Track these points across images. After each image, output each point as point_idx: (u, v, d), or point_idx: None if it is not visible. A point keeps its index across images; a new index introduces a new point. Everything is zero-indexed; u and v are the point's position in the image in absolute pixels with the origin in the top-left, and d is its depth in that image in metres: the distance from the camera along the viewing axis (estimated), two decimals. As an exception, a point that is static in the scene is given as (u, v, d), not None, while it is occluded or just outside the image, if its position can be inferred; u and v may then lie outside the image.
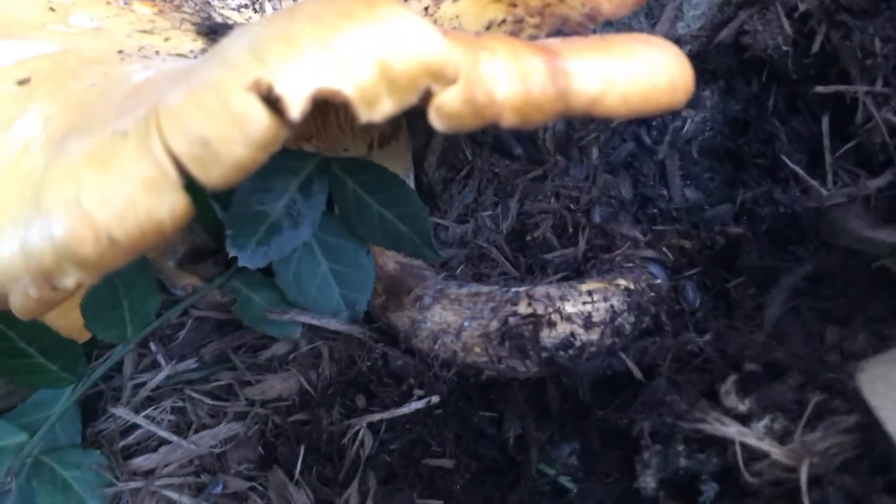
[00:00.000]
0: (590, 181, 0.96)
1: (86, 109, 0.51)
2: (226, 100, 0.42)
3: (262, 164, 0.43)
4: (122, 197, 0.43)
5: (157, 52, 0.66)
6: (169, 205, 0.43)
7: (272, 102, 0.42)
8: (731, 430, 0.70)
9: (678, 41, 0.90)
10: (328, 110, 0.76)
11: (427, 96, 0.47)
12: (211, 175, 0.43)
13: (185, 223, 0.44)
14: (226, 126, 0.42)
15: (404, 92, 0.45)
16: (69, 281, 0.45)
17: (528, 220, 0.93)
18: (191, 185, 0.43)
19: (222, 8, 0.79)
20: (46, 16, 0.65)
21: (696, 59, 0.89)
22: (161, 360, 0.93)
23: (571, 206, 0.93)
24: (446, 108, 0.48)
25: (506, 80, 0.50)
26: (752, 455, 0.68)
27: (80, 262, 0.44)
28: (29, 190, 0.46)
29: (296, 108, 0.41)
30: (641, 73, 0.54)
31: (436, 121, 0.49)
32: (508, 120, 0.50)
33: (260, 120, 0.42)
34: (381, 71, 0.43)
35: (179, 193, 0.43)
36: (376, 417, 0.82)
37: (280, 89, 0.41)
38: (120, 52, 0.63)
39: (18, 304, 0.48)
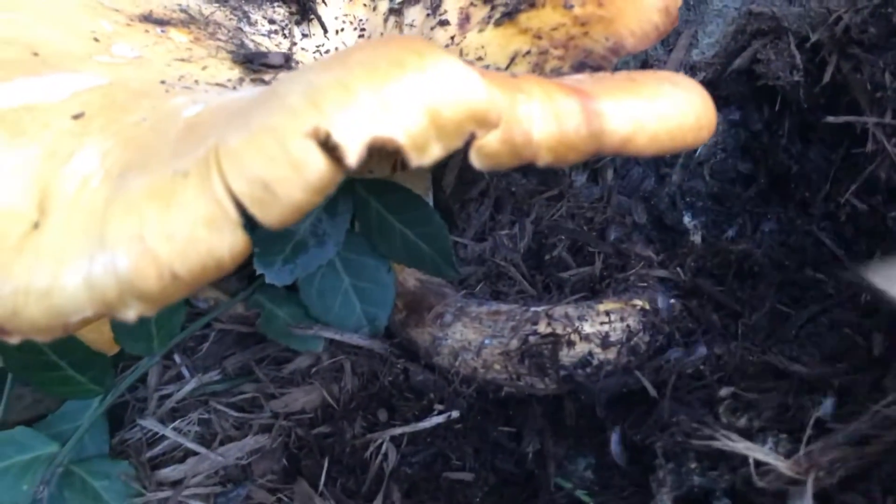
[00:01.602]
0: (604, 201, 0.99)
1: (141, 145, 0.53)
2: (285, 145, 0.44)
3: (317, 205, 0.46)
4: (185, 234, 0.45)
5: (196, 82, 0.68)
6: (229, 242, 0.46)
7: (329, 148, 0.44)
8: (740, 445, 0.73)
9: (693, 68, 0.93)
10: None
11: (470, 139, 0.49)
12: (270, 216, 0.45)
13: (243, 259, 0.47)
14: (285, 170, 0.44)
15: (451, 137, 0.47)
16: (131, 313, 0.47)
17: (544, 240, 0.95)
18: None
19: (253, 34, 0.81)
20: (91, 46, 0.67)
21: (709, 85, 0.92)
22: (185, 371, 0.96)
23: (586, 225, 0.96)
24: (486, 149, 0.51)
25: (542, 121, 0.52)
26: (762, 469, 0.71)
27: (142, 296, 0.46)
28: (92, 224, 0.48)
29: (353, 155, 0.44)
30: (669, 113, 0.56)
31: (476, 160, 0.51)
32: (544, 159, 0.53)
33: (318, 165, 0.44)
34: (430, 118, 0.46)
35: (239, 231, 0.46)
36: (398, 431, 0.85)
37: (338, 137, 0.44)
38: (162, 82, 0.65)
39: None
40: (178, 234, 0.46)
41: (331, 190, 0.46)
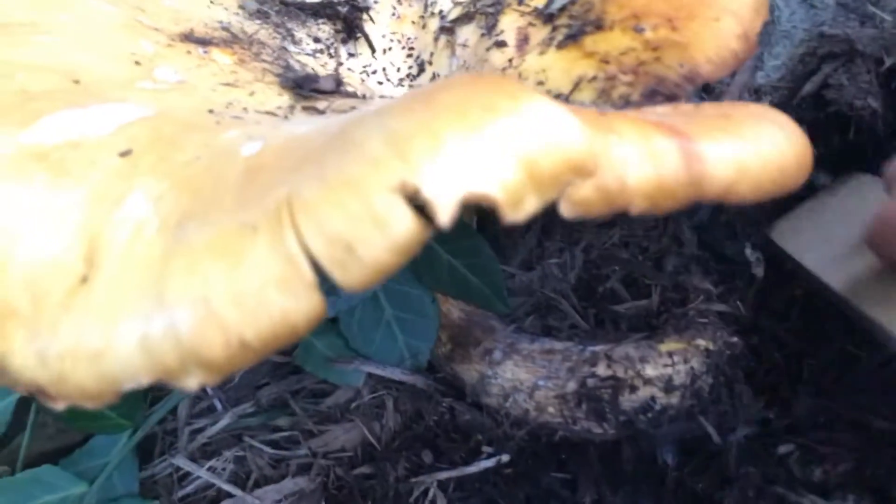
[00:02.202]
0: (660, 229, 0.94)
1: (197, 188, 0.49)
2: (369, 201, 0.40)
3: (402, 266, 0.41)
4: (256, 297, 0.41)
5: (245, 110, 0.63)
6: (305, 306, 0.41)
7: (416, 204, 0.40)
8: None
9: (758, 92, 0.88)
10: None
11: (564, 189, 0.45)
12: (351, 278, 0.40)
13: (318, 324, 0.42)
14: (369, 229, 0.40)
15: (548, 189, 0.43)
16: (192, 382, 0.43)
17: (596, 270, 0.91)
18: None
19: (298, 54, 0.76)
20: (133, 71, 0.62)
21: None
22: (217, 404, 0.91)
23: (641, 255, 0.91)
24: (577, 197, 0.46)
25: (638, 165, 0.48)
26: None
27: (205, 365, 0.42)
28: (148, 281, 0.44)
29: (445, 213, 0.39)
30: (771, 156, 0.52)
31: (566, 210, 0.46)
32: (639, 207, 0.48)
33: (405, 224, 0.40)
34: (527, 170, 0.41)
35: (315, 294, 0.41)
36: (444, 475, 0.80)
37: (428, 193, 0.39)
38: (210, 111, 0.61)
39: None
40: (247, 297, 0.41)
41: (418, 250, 0.41)
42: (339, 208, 0.40)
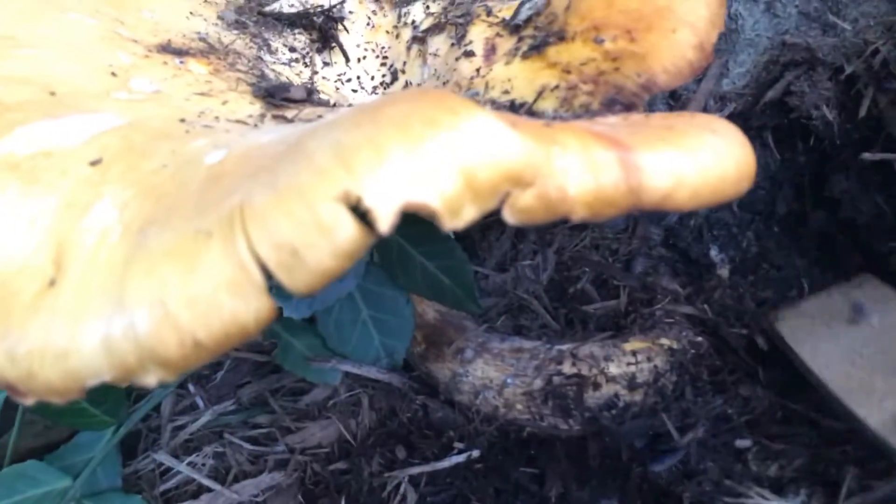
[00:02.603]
0: (629, 232, 0.96)
1: (161, 195, 0.51)
2: (315, 209, 0.42)
3: (345, 271, 0.44)
4: (208, 299, 0.43)
5: (216, 118, 0.66)
6: (254, 308, 0.44)
7: (360, 212, 0.42)
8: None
9: (723, 98, 0.91)
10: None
11: (504, 198, 0.47)
12: (297, 282, 0.43)
13: (268, 324, 0.45)
14: (314, 235, 0.42)
15: (486, 199, 0.45)
16: (150, 379, 0.45)
17: (567, 271, 0.93)
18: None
19: (274, 63, 0.79)
20: (109, 82, 0.65)
21: (740, 117, 0.90)
22: (199, 401, 0.94)
23: (611, 257, 0.93)
24: (520, 206, 0.49)
25: (579, 175, 0.50)
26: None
27: (163, 363, 0.44)
28: (110, 284, 0.47)
29: (385, 221, 0.42)
30: (711, 167, 0.54)
31: (508, 216, 0.49)
32: (579, 215, 0.51)
33: (348, 231, 0.42)
34: (465, 181, 0.44)
35: (264, 297, 0.44)
36: (417, 470, 0.83)
37: (370, 202, 0.42)
38: (182, 120, 0.63)
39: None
40: (200, 300, 0.44)
41: (361, 255, 0.44)
42: (287, 216, 0.43)
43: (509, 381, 0.81)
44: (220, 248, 0.44)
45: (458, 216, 0.44)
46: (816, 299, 0.83)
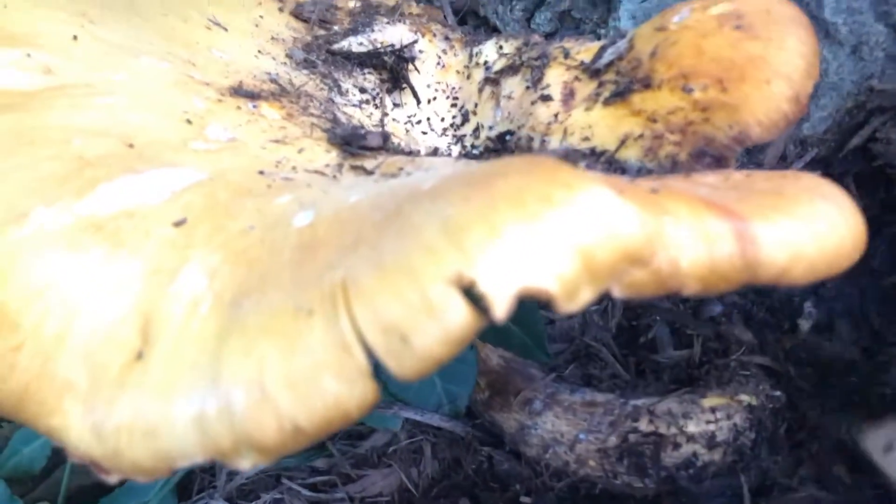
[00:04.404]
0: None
1: (251, 262, 0.49)
2: (425, 292, 0.40)
3: (454, 357, 0.41)
4: (310, 383, 0.41)
5: (294, 169, 0.64)
6: (359, 393, 0.41)
7: (472, 296, 0.40)
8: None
9: (803, 142, 0.87)
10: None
11: (620, 277, 0.44)
12: (404, 368, 0.41)
13: (372, 410, 0.42)
14: (423, 320, 0.40)
15: (604, 280, 0.43)
16: (245, 464, 0.43)
17: (637, 318, 0.90)
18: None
19: (345, 105, 0.77)
20: (186, 131, 0.63)
21: (821, 163, 0.87)
22: (256, 444, 0.92)
23: (682, 303, 0.90)
24: (629, 280, 0.46)
25: (691, 249, 0.47)
26: None
27: (258, 448, 0.42)
28: (203, 360, 0.44)
29: (501, 308, 0.39)
30: (827, 237, 0.51)
31: (617, 292, 0.46)
32: (691, 289, 0.48)
33: (460, 316, 0.40)
34: (583, 262, 0.41)
35: (369, 381, 0.41)
36: (483, 525, 0.80)
37: (484, 287, 0.39)
38: (261, 172, 0.61)
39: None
40: (301, 383, 0.41)
41: (471, 340, 0.41)
42: (395, 297, 0.40)
43: (582, 436, 0.78)
44: (323, 328, 0.42)
45: (575, 300, 0.41)
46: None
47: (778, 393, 0.82)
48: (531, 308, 0.81)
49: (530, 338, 0.81)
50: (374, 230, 0.46)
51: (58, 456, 0.93)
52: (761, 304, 0.92)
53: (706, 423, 0.76)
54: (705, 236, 0.48)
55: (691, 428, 0.75)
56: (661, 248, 0.47)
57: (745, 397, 0.79)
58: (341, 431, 0.93)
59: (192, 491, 0.92)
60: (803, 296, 0.89)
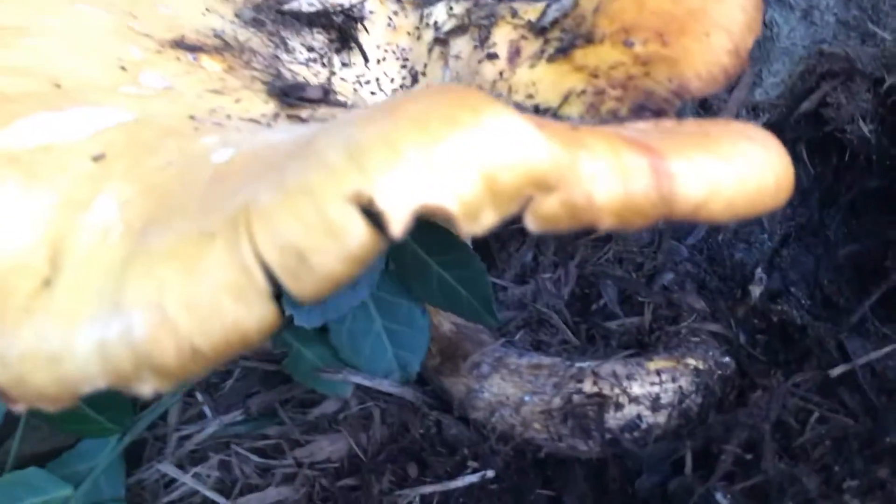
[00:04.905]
0: (655, 246, 0.93)
1: (165, 193, 0.49)
2: (323, 210, 0.39)
3: (355, 277, 0.41)
4: (209, 305, 0.41)
5: (228, 117, 0.63)
6: (257, 315, 0.41)
7: (372, 215, 0.39)
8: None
9: (755, 108, 0.87)
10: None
11: (526, 203, 0.44)
12: (303, 288, 0.40)
13: (272, 333, 0.42)
14: (322, 238, 0.39)
15: (507, 203, 0.42)
16: (146, 388, 0.43)
17: (590, 286, 0.90)
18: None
19: (291, 63, 0.77)
20: (118, 76, 0.63)
21: (773, 128, 0.86)
22: (207, 410, 0.91)
23: (635, 272, 0.90)
24: (543, 212, 0.46)
25: (606, 181, 0.47)
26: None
27: (159, 370, 0.42)
28: (108, 285, 0.44)
29: (398, 225, 0.39)
30: (748, 176, 0.51)
31: (530, 224, 0.46)
32: (606, 223, 0.48)
33: (359, 234, 0.39)
34: (485, 183, 0.41)
35: (268, 303, 0.41)
36: (429, 489, 0.79)
37: (382, 204, 0.39)
38: (192, 117, 0.61)
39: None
40: (200, 305, 0.41)
41: (371, 261, 0.41)
42: (294, 217, 0.40)
43: (527, 398, 0.77)
44: (223, 251, 0.41)
45: (477, 221, 0.41)
46: None
47: (727, 359, 0.81)
48: (479, 271, 0.80)
49: (478, 301, 0.80)
50: (284, 158, 0.46)
51: (11, 424, 0.92)
52: (714, 273, 0.92)
53: (651, 384, 0.75)
54: (621, 171, 0.47)
55: (635, 389, 0.75)
56: (575, 180, 0.46)
57: (691, 361, 0.78)
58: (294, 399, 0.92)
59: (143, 458, 0.91)
60: (757, 263, 0.89)
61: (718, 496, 0.69)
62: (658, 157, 0.49)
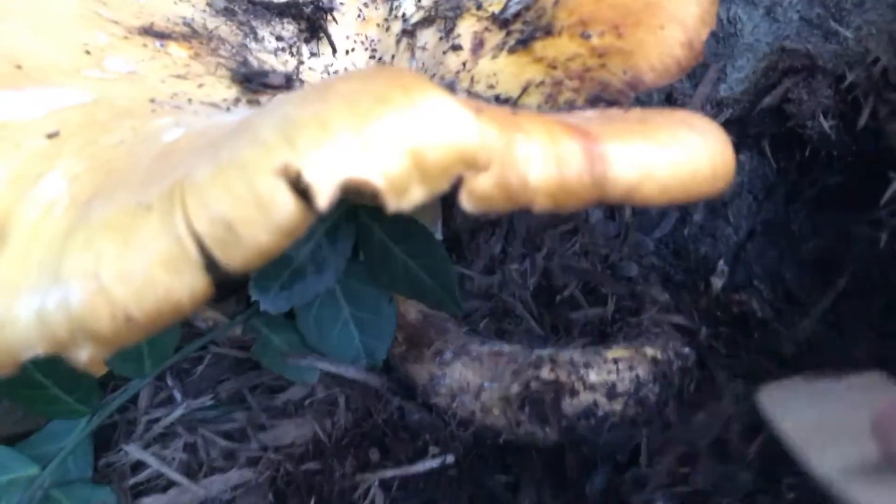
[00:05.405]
0: (621, 239, 0.94)
1: (112, 170, 0.50)
2: (253, 183, 0.41)
3: (284, 249, 0.42)
4: (142, 274, 0.42)
5: (189, 101, 0.65)
6: (189, 285, 0.42)
7: (300, 189, 0.41)
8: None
9: (720, 103, 0.88)
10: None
11: (458, 182, 0.45)
12: (232, 259, 0.41)
13: (204, 303, 0.43)
14: (251, 210, 0.41)
15: (436, 180, 0.43)
16: (82, 354, 0.44)
17: (555, 277, 0.91)
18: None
19: (259, 51, 0.78)
20: (82, 59, 0.64)
21: (737, 123, 0.87)
22: (177, 395, 0.93)
23: (601, 264, 0.91)
24: (477, 192, 0.47)
25: (540, 164, 0.48)
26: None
27: (94, 337, 0.43)
28: (49, 256, 0.45)
29: (323, 197, 0.40)
30: (682, 161, 0.52)
31: (466, 203, 0.47)
32: (541, 204, 0.49)
33: (286, 207, 0.40)
34: (413, 160, 0.42)
35: (200, 274, 0.42)
36: (389, 474, 0.81)
37: (309, 177, 0.40)
38: (152, 100, 0.62)
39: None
40: (134, 275, 0.42)
41: (300, 234, 0.42)
42: (225, 189, 0.41)
43: (486, 384, 0.79)
44: (158, 222, 0.43)
45: (404, 196, 0.42)
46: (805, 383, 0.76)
47: (687, 350, 0.82)
48: (443, 259, 0.81)
49: (443, 289, 0.82)
50: (225, 136, 0.47)
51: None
52: (679, 266, 0.93)
53: (607, 373, 0.76)
54: (555, 154, 0.48)
55: (592, 377, 0.76)
56: (509, 162, 0.47)
57: (650, 351, 0.79)
58: (262, 385, 0.93)
59: (113, 440, 0.92)
60: (721, 256, 0.90)
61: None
62: (593, 141, 0.50)
